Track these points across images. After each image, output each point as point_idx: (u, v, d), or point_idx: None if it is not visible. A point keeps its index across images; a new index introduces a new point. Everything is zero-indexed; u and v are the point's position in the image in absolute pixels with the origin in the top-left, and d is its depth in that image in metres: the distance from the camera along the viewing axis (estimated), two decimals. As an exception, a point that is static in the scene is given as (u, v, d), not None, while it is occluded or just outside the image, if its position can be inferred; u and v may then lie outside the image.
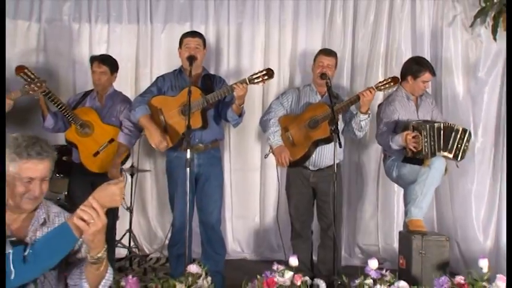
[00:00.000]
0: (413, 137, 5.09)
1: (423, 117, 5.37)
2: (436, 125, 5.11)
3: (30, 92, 5.14)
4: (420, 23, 6.39)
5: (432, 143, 5.06)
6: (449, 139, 5.12)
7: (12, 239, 2.58)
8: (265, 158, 5.96)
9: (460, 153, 5.18)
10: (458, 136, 5.15)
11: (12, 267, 2.38)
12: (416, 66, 5.43)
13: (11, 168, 2.65)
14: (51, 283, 2.73)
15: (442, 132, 5.11)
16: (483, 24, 6.09)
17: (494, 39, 5.96)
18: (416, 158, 5.21)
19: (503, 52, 6.02)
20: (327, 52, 5.60)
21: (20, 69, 5.28)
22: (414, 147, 5.09)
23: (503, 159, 6.05)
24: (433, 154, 5.08)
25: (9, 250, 2.43)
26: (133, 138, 5.59)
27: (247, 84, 4.94)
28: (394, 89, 5.43)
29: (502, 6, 5.83)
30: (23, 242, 2.58)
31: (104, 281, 2.72)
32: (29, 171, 2.64)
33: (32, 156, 2.63)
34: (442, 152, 5.11)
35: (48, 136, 5.67)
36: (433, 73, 5.47)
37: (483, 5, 5.96)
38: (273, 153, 5.44)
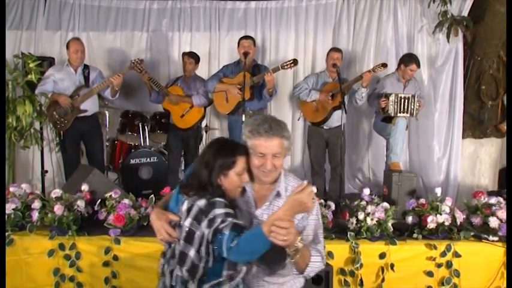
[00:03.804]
0: (383, 101, 5.37)
1: (407, 95, 5.52)
2: (399, 95, 5.32)
3: (134, 68, 5.57)
4: (399, 29, 6.47)
5: (396, 106, 5.31)
6: (405, 104, 5.30)
7: (236, 221, 2.20)
8: (298, 120, 6.25)
9: (414, 112, 5.35)
10: (411, 101, 5.31)
11: (223, 248, 2.13)
12: (407, 58, 5.62)
13: (248, 143, 2.37)
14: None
15: (402, 100, 5.30)
16: (440, 32, 6.22)
17: (448, 42, 6.17)
18: (388, 118, 5.43)
19: (454, 50, 6.21)
20: (335, 49, 5.80)
21: (139, 61, 5.69)
22: (384, 107, 5.38)
23: (454, 122, 6.25)
24: (396, 114, 5.33)
25: (226, 232, 2.14)
26: (202, 99, 5.83)
27: (278, 70, 5.24)
28: (384, 70, 5.57)
29: (452, 20, 6.02)
30: (242, 228, 2.16)
31: (308, 268, 2.34)
32: (261, 147, 2.32)
33: (261, 134, 2.31)
34: (401, 113, 5.33)
35: (153, 106, 6.19)
36: (418, 65, 5.60)
37: (441, 19, 6.11)
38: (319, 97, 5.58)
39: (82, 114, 5.54)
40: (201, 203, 2.25)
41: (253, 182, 2.46)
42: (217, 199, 2.26)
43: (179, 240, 2.31)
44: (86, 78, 5.64)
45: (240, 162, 2.35)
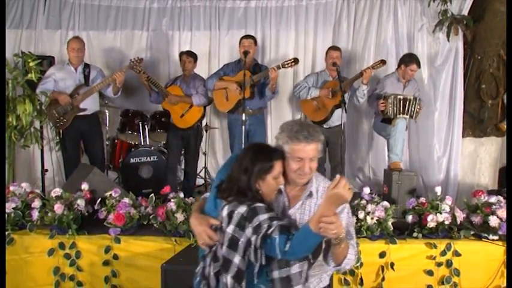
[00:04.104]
0: (382, 103, 5.36)
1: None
2: (398, 96, 5.29)
3: (134, 67, 5.57)
4: (400, 27, 6.45)
5: (395, 108, 5.28)
6: (405, 106, 5.27)
7: (281, 222, 2.25)
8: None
9: (414, 114, 5.34)
10: (411, 103, 5.29)
11: (277, 252, 2.18)
12: (408, 58, 5.60)
13: (285, 148, 2.44)
14: None
15: (401, 101, 5.28)
16: (440, 31, 6.20)
17: (448, 40, 6.15)
18: (388, 119, 5.39)
19: (454, 49, 6.19)
20: (334, 48, 5.79)
21: (138, 60, 5.67)
22: (383, 109, 5.37)
23: (454, 121, 6.22)
24: (395, 116, 5.29)
25: (275, 236, 2.18)
26: (201, 98, 5.81)
27: (279, 68, 5.25)
28: (384, 67, 5.61)
29: (452, 19, 6.02)
30: (289, 228, 2.24)
31: (346, 260, 2.37)
32: (299, 152, 2.41)
33: (301, 140, 2.39)
34: (401, 114, 5.30)
35: (153, 105, 6.15)
36: (419, 65, 5.58)
37: (441, 18, 6.10)
38: (320, 92, 5.59)
39: (82, 113, 5.54)
40: (242, 209, 2.29)
41: (287, 184, 2.56)
42: (258, 204, 2.31)
43: (222, 244, 2.33)
44: (86, 77, 5.63)
45: (277, 167, 2.42)
